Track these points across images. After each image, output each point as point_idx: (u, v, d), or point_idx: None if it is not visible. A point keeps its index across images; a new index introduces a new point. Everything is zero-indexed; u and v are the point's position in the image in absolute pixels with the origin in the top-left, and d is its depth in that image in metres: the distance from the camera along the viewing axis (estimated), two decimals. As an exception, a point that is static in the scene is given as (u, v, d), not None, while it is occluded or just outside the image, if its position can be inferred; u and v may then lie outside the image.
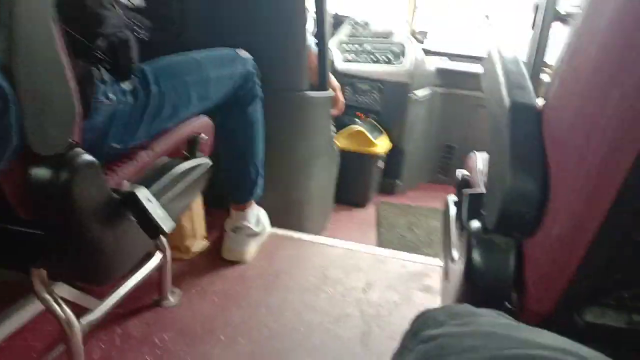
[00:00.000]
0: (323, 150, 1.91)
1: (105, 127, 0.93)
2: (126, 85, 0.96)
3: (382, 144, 2.38)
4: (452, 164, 2.74)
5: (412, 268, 1.64)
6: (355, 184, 2.42)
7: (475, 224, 0.71)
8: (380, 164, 2.44)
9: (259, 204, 1.67)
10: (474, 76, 2.56)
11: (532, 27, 1.72)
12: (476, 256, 0.65)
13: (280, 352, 1.26)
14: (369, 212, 2.41)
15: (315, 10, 1.67)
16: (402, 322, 1.38)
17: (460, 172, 1.08)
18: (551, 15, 1.61)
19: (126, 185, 0.93)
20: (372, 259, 1.68)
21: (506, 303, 0.63)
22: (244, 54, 1.37)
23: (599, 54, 0.51)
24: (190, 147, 1.19)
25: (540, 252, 0.60)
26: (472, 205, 0.76)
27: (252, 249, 1.61)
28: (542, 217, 0.58)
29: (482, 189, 0.87)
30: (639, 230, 0.53)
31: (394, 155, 2.51)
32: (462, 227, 0.79)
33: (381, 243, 2.08)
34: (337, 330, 1.35)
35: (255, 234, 1.60)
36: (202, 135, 1.21)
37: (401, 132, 2.47)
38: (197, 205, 1.62)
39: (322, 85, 1.79)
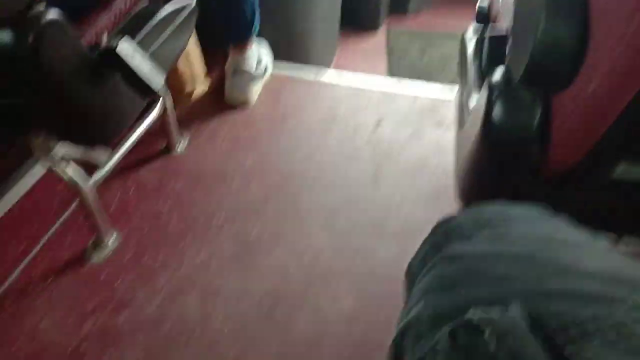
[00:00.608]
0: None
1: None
2: None
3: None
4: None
5: (424, 102, 1.57)
6: (363, 3, 2.21)
7: (498, 74, 0.62)
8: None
9: (259, 36, 1.54)
10: None
11: None
12: (498, 114, 0.58)
13: (293, 195, 1.28)
14: (379, 38, 2.25)
15: None
16: (414, 158, 1.38)
17: (481, 2, 0.93)
18: None
19: (105, 40, 0.84)
20: (382, 93, 1.61)
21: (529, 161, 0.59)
22: None
23: None
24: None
25: (571, 107, 0.53)
26: (494, 51, 0.66)
27: (255, 91, 1.53)
28: (578, 70, 0.49)
29: (506, 29, 0.76)
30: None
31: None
32: (482, 73, 0.71)
33: (392, 74, 1.98)
34: (348, 169, 1.35)
35: (257, 77, 1.51)
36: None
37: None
38: (193, 47, 1.50)
39: None
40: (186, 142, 1.43)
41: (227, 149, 1.42)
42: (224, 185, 1.31)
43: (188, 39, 1.27)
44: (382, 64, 2.05)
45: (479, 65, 0.82)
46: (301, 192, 1.29)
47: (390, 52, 2.13)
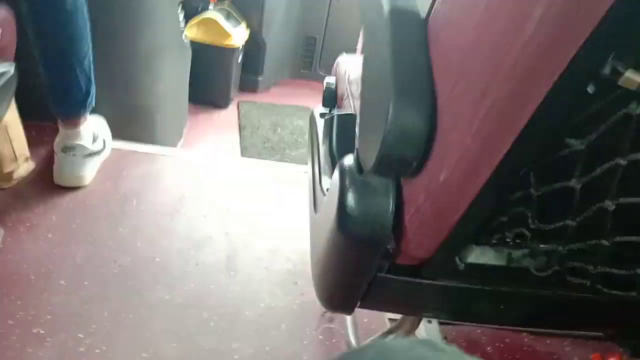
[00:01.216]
0: (170, 44, 1.63)
1: None
2: None
3: (239, 35, 2.12)
4: (315, 57, 2.60)
5: (278, 176, 1.55)
6: (212, 81, 2.18)
7: (348, 160, 0.59)
8: (239, 59, 2.20)
9: (97, 111, 1.39)
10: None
11: None
12: (351, 202, 0.55)
13: (134, 292, 1.12)
14: (230, 113, 2.22)
15: None
16: (269, 242, 1.31)
17: (328, 80, 0.94)
18: None
19: None
20: (236, 170, 1.54)
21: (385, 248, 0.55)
22: None
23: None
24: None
25: (423, 196, 0.51)
26: (343, 131, 0.65)
27: (90, 170, 1.36)
28: (428, 159, 0.48)
29: (353, 107, 0.76)
30: (535, 171, 0.46)
31: (254, 48, 2.28)
32: (332, 155, 0.69)
33: (244, 148, 1.94)
34: (199, 257, 1.23)
35: (93, 153, 1.34)
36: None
37: (260, 21, 2.23)
38: (13, 120, 1.29)
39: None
40: (0, 235, 1.19)
41: (55, 241, 1.21)
42: (50, 286, 1.10)
43: (5, 111, 1.09)
44: (234, 139, 2.01)
45: (330, 146, 0.80)
46: (143, 287, 1.13)
47: (242, 127, 2.10)
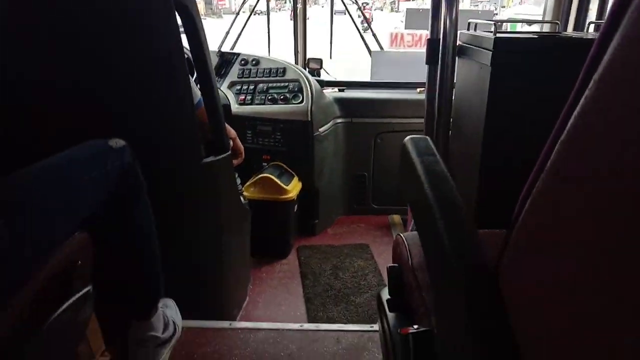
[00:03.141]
0: (232, 215, 1.72)
1: None
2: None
3: (293, 187, 2.24)
4: (367, 192, 2.67)
5: (346, 341, 1.51)
6: (272, 234, 2.27)
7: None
8: (295, 208, 2.30)
9: (166, 294, 1.45)
10: (372, 102, 2.51)
11: (427, 62, 1.67)
12: None
13: None
14: (291, 262, 2.26)
15: (194, 59, 1.40)
16: None
17: (391, 266, 0.95)
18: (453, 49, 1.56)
19: None
20: (302, 336, 1.53)
21: None
22: (117, 143, 1.15)
23: None
24: (64, 280, 0.97)
25: None
26: (420, 350, 0.64)
27: (163, 357, 1.39)
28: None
29: (429, 321, 0.75)
30: None
31: (308, 195, 2.38)
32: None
33: (308, 300, 1.94)
34: None
35: (165, 341, 1.38)
36: (79, 262, 1.00)
37: (310, 171, 2.35)
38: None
39: (221, 144, 1.59)
40: None
41: None
42: None
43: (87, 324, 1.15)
44: (298, 292, 2.02)
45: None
46: None
47: (304, 276, 2.12)
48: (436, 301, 0.67)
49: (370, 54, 2.76)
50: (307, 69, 2.61)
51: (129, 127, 1.30)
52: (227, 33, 2.71)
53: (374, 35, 2.80)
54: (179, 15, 1.27)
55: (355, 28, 2.73)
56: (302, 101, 2.28)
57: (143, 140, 1.32)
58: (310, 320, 1.82)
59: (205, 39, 1.40)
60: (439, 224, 0.64)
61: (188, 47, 1.39)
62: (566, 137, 0.42)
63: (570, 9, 2.05)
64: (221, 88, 2.43)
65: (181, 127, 1.39)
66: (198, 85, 1.47)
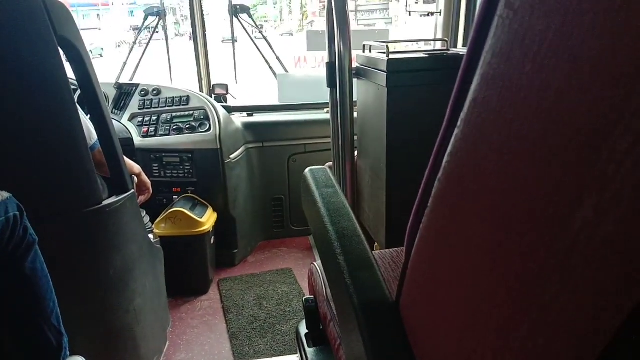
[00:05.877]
0: (141, 256, 1.62)
1: None
2: None
3: (208, 219, 2.16)
4: (285, 215, 2.65)
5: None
6: (189, 270, 2.17)
7: None
8: (212, 240, 2.22)
9: (73, 350, 1.33)
10: (282, 125, 2.51)
11: (328, 85, 1.69)
12: None
13: None
14: (212, 297, 2.18)
15: (84, 95, 1.33)
16: None
17: (307, 298, 0.94)
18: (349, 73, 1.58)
19: None
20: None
21: None
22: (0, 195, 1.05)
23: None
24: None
25: None
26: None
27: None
28: None
29: (337, 335, 0.75)
30: None
31: (224, 225, 2.31)
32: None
33: (233, 336, 1.87)
34: None
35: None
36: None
37: (225, 199, 2.29)
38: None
39: (121, 183, 1.51)
40: None
41: None
42: None
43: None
44: (222, 328, 1.94)
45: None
46: None
47: (226, 310, 2.05)
48: (343, 335, 0.66)
49: (275, 77, 2.77)
50: (212, 96, 2.56)
51: (16, 174, 1.20)
52: (125, 64, 2.59)
53: (277, 58, 2.80)
54: (63, 49, 1.21)
55: (258, 51, 2.72)
56: (209, 129, 2.22)
57: (32, 188, 1.22)
58: (237, 357, 1.75)
59: (94, 72, 1.33)
60: (339, 259, 0.64)
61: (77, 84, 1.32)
62: (447, 154, 0.43)
63: (458, 26, 2.18)
64: (121, 121, 2.32)
65: (76, 168, 1.30)
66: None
